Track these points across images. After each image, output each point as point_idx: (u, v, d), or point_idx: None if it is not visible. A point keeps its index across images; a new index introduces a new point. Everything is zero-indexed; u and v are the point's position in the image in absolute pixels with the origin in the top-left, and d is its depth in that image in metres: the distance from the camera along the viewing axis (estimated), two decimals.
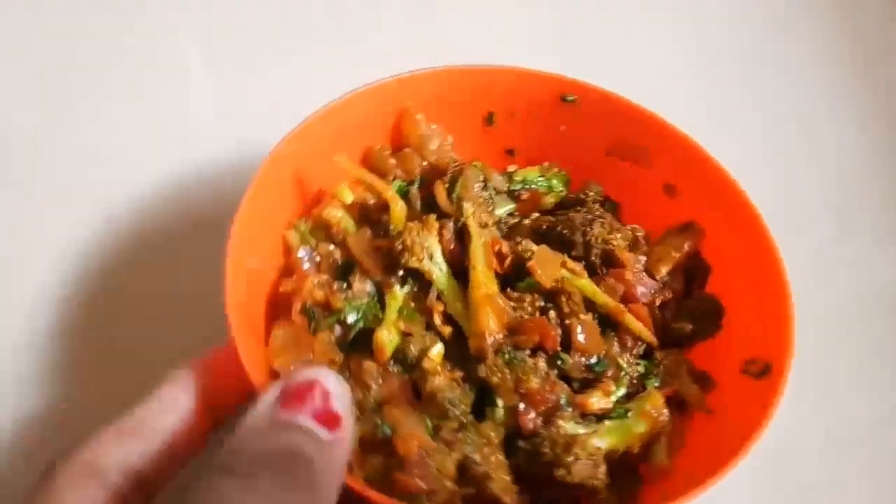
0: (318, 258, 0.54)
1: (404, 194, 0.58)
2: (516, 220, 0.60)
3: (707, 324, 0.56)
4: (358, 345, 0.51)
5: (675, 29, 0.84)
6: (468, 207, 0.55)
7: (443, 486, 0.44)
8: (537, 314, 0.51)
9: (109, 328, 0.59)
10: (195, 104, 0.72)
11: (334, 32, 0.78)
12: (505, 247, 0.54)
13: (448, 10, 0.82)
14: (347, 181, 0.56)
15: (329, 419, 0.37)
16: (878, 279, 0.69)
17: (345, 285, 0.53)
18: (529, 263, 0.52)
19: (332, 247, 0.54)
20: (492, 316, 0.50)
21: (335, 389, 0.38)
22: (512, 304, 0.52)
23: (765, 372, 0.50)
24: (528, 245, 0.54)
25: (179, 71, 0.73)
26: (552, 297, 0.52)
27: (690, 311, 0.57)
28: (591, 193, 0.62)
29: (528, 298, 0.52)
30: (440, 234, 0.54)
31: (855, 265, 0.70)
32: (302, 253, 0.53)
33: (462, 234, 0.55)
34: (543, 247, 0.54)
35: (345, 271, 0.54)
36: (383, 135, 0.60)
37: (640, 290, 0.55)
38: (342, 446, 0.37)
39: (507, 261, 0.53)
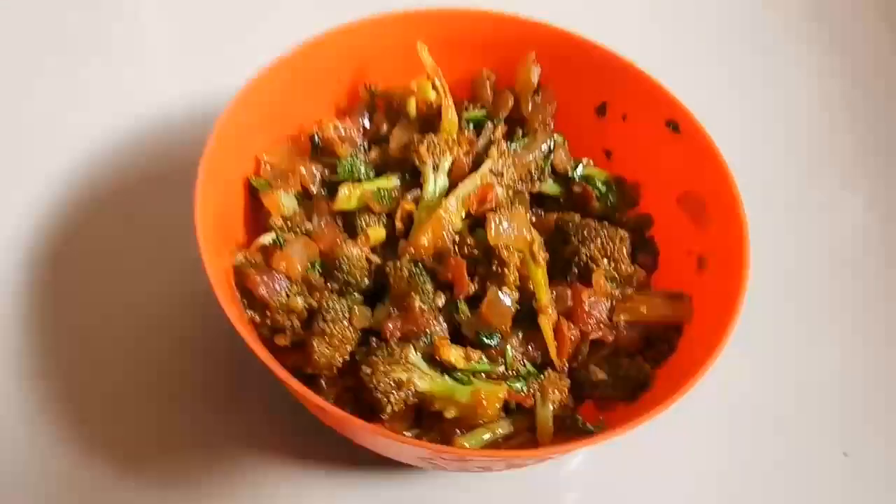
0: None
1: (479, 120, 0.62)
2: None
3: (621, 391, 0.52)
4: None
5: None
6: (494, 151, 0.57)
7: (279, 306, 0.50)
8: (464, 261, 0.52)
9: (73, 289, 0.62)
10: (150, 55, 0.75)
11: None
12: (493, 195, 0.55)
13: None
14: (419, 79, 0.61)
15: None
16: (850, 222, 0.74)
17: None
18: (489, 214, 0.53)
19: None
20: (429, 235, 0.53)
21: None
22: (456, 237, 0.53)
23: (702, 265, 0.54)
24: (515, 209, 0.55)
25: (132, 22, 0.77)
26: (491, 255, 0.52)
27: (616, 368, 0.52)
28: (631, 220, 0.59)
29: (470, 242, 0.53)
30: (458, 154, 0.57)
31: (825, 210, 0.75)
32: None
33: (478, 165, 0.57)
34: (522, 213, 0.54)
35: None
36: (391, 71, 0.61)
37: (586, 314, 0.52)
38: None
39: (485, 206, 0.54)
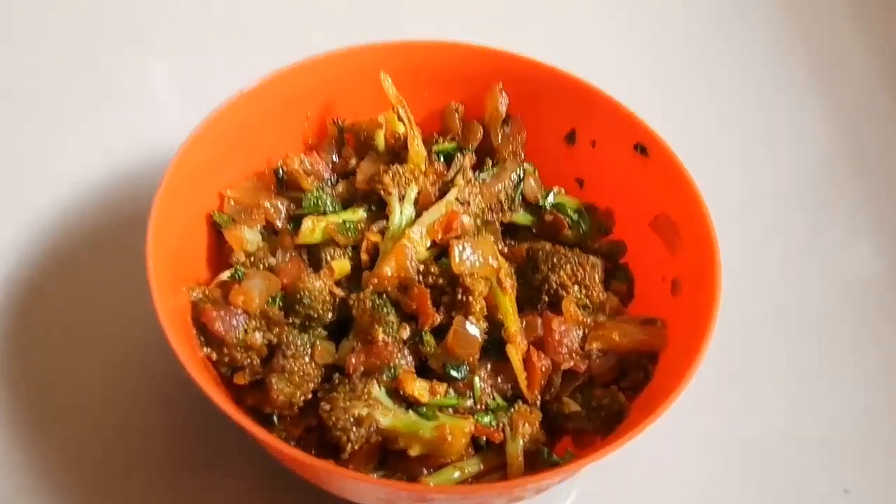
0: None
1: (449, 152, 0.61)
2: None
3: (596, 424, 0.49)
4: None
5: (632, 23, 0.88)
6: (460, 179, 0.56)
7: (236, 342, 0.48)
8: (427, 290, 0.51)
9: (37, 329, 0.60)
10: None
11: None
12: (458, 222, 0.54)
13: None
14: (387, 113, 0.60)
15: None
16: (850, 275, 0.71)
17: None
18: (452, 241, 0.51)
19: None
20: (392, 265, 0.51)
21: None
22: (420, 267, 0.52)
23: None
24: (482, 236, 0.53)
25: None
26: (456, 283, 0.51)
27: (591, 400, 0.50)
28: (604, 247, 0.58)
29: (434, 271, 0.51)
30: (424, 184, 0.56)
31: (825, 260, 0.71)
32: None
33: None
34: (488, 240, 0.53)
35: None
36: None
37: (557, 343, 0.50)
38: None
39: (450, 234, 0.53)
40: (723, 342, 0.48)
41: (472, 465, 0.47)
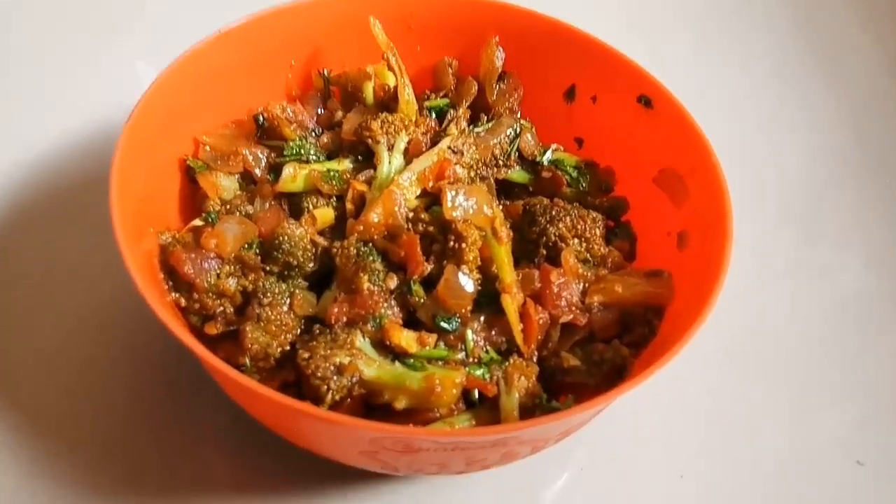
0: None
1: (441, 109, 0.58)
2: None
3: (597, 378, 0.46)
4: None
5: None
6: (453, 128, 0.53)
7: (208, 287, 0.44)
8: (417, 237, 0.47)
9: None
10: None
11: None
12: (453, 171, 0.50)
13: None
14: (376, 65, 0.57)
15: None
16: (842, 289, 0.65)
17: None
18: (444, 186, 0.48)
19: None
20: (380, 212, 0.48)
21: None
22: (410, 214, 0.48)
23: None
24: (475, 185, 0.50)
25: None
26: (447, 231, 0.47)
27: (591, 354, 0.46)
28: (605, 204, 0.55)
29: (425, 218, 0.48)
30: (415, 134, 0.53)
31: (819, 273, 0.66)
32: None
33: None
34: (482, 188, 0.49)
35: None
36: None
37: (555, 296, 0.47)
38: None
39: (442, 182, 0.50)
40: (733, 296, 0.45)
41: (463, 421, 0.43)
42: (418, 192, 0.50)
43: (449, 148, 0.52)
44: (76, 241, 0.59)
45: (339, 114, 0.57)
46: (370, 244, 0.47)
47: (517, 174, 0.57)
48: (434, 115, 0.58)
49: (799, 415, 0.57)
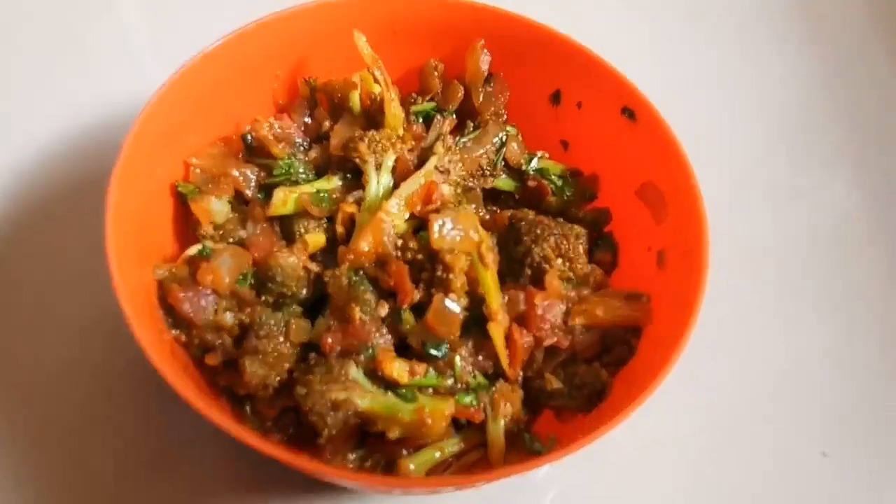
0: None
1: (428, 113, 0.58)
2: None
3: (577, 402, 0.48)
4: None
5: None
6: (440, 147, 0.54)
7: (206, 324, 0.46)
8: (406, 266, 0.49)
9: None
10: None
11: None
12: (438, 193, 0.51)
13: None
14: (362, 71, 0.57)
15: None
16: (829, 207, 0.70)
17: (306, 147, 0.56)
18: (431, 216, 0.49)
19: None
20: (369, 239, 0.49)
21: None
22: (398, 241, 0.50)
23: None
24: (462, 208, 0.51)
25: None
26: (435, 259, 0.49)
27: (573, 377, 0.49)
28: (589, 216, 0.56)
29: (413, 245, 0.49)
30: (402, 151, 0.53)
31: (807, 197, 0.71)
32: None
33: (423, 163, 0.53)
34: (469, 213, 0.51)
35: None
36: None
37: (539, 319, 0.49)
38: None
39: (430, 206, 0.51)
40: (704, 310, 0.47)
41: (453, 445, 0.47)
42: (406, 216, 0.51)
43: (435, 168, 0.53)
44: (77, 244, 0.59)
45: (327, 123, 0.58)
46: (361, 273, 0.49)
47: (503, 182, 0.58)
48: (421, 121, 0.58)
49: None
